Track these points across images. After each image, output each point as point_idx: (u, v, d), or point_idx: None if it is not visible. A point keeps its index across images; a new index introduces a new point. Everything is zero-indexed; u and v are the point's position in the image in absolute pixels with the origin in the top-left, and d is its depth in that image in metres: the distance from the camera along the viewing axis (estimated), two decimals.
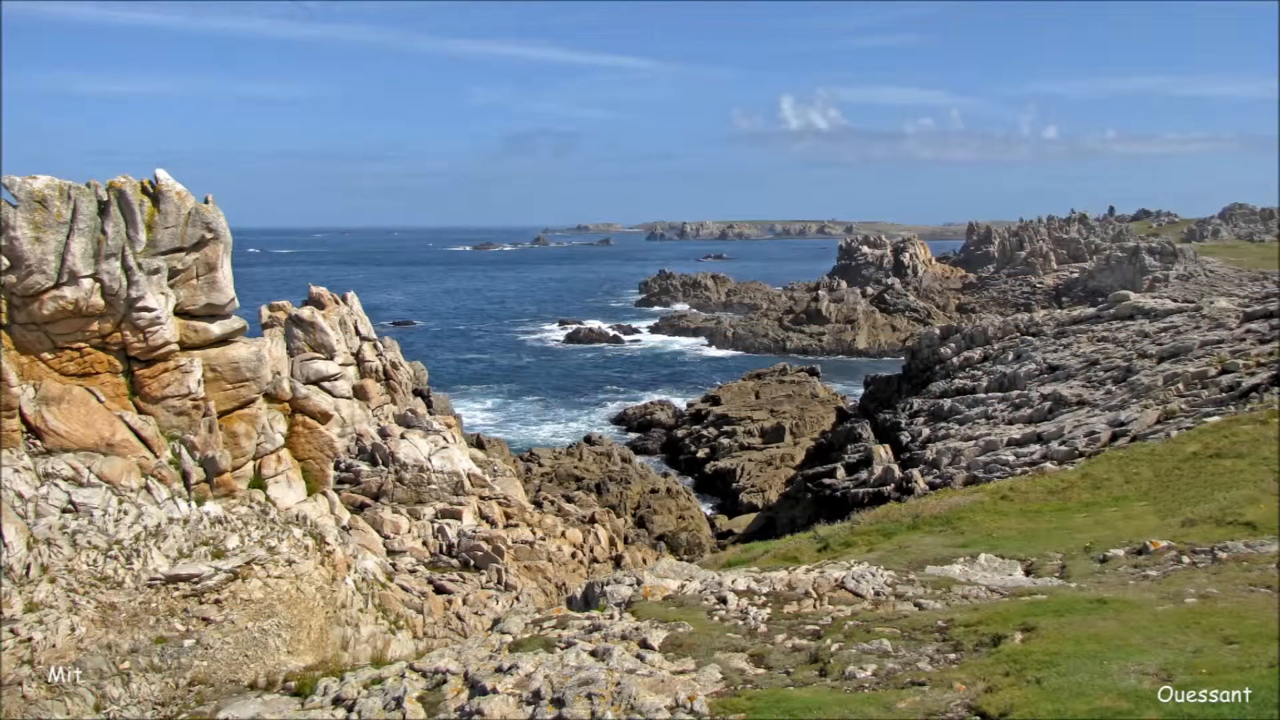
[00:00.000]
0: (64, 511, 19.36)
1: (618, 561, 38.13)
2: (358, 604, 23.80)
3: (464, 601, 29.57)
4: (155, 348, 21.96)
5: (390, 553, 31.52)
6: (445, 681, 10.94)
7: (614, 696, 9.06)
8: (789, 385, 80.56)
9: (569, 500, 47.80)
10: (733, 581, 13.43)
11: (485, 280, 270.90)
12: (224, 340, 23.54)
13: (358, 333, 43.16)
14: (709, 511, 57.88)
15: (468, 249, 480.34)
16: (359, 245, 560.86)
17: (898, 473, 38.49)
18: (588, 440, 64.08)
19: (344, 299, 44.02)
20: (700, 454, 70.20)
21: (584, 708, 8.98)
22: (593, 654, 10.50)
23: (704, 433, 73.01)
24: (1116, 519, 17.34)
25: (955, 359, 54.49)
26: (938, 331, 62.53)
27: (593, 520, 41.45)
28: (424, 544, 33.15)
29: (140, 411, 22.02)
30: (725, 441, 69.53)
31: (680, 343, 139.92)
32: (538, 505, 43.60)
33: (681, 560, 22.82)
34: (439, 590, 29.97)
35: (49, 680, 15.70)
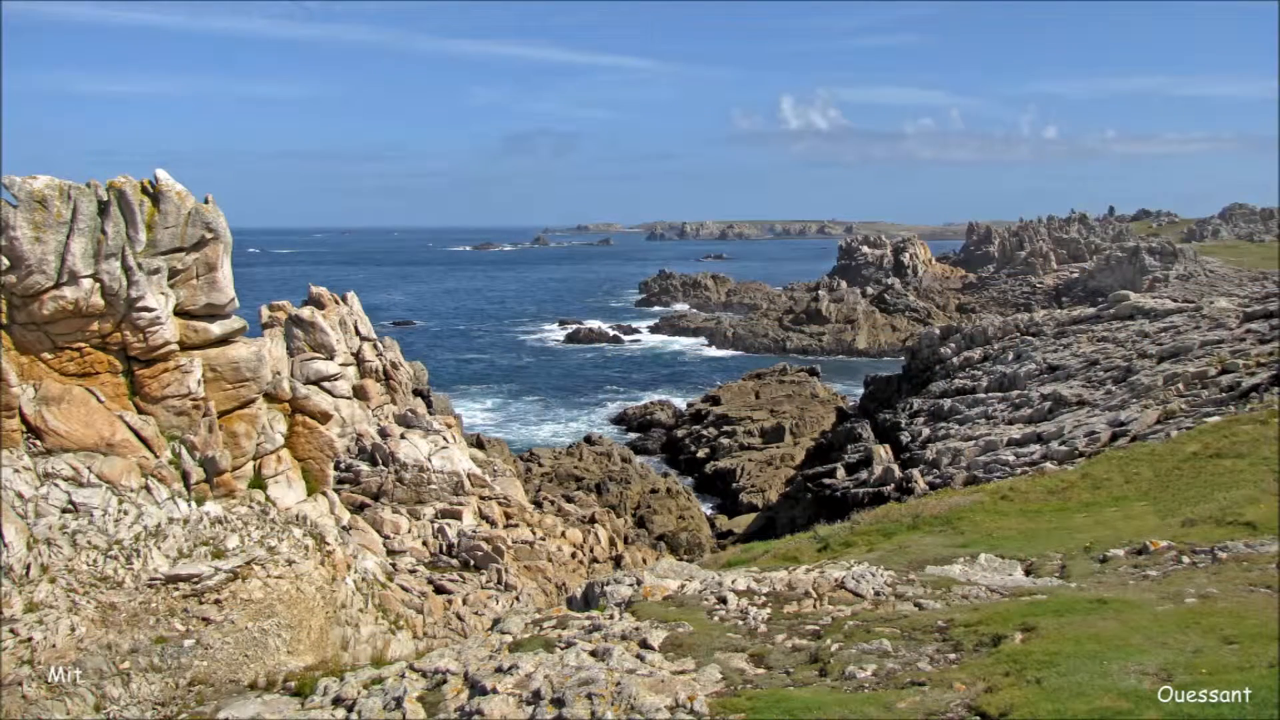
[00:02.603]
0: (64, 511, 19.36)
1: (618, 561, 38.13)
2: (358, 604, 23.80)
3: (464, 601, 29.57)
4: (155, 348, 21.96)
5: (390, 553, 31.53)
6: (445, 681, 10.94)
7: (614, 696, 9.05)
8: (789, 385, 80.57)
9: (569, 500, 47.80)
10: (733, 581, 13.42)
11: (485, 280, 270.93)
12: (224, 340, 23.54)
13: (358, 333, 43.17)
14: (709, 511, 57.88)
15: (468, 249, 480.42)
16: (359, 245, 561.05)
17: (898, 473, 38.49)
18: (588, 440, 64.08)
19: (344, 299, 44.02)
20: (700, 454, 70.20)
21: (584, 708, 8.97)
22: (593, 654, 10.50)
23: (704, 433, 73.01)
24: (1116, 519, 17.34)
25: (955, 359, 54.49)
26: (938, 331, 62.53)
27: (593, 520, 41.45)
28: (424, 544, 33.15)
29: (140, 411, 22.02)
30: (725, 441, 69.53)
31: (680, 343, 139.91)
32: (538, 505, 43.60)
33: (681, 560, 22.82)
34: (439, 590, 29.97)
35: (49, 680, 15.70)
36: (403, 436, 39.00)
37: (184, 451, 22.31)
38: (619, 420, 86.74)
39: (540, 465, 57.86)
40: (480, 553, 32.81)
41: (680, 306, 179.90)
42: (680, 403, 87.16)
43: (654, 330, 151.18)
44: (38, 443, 20.36)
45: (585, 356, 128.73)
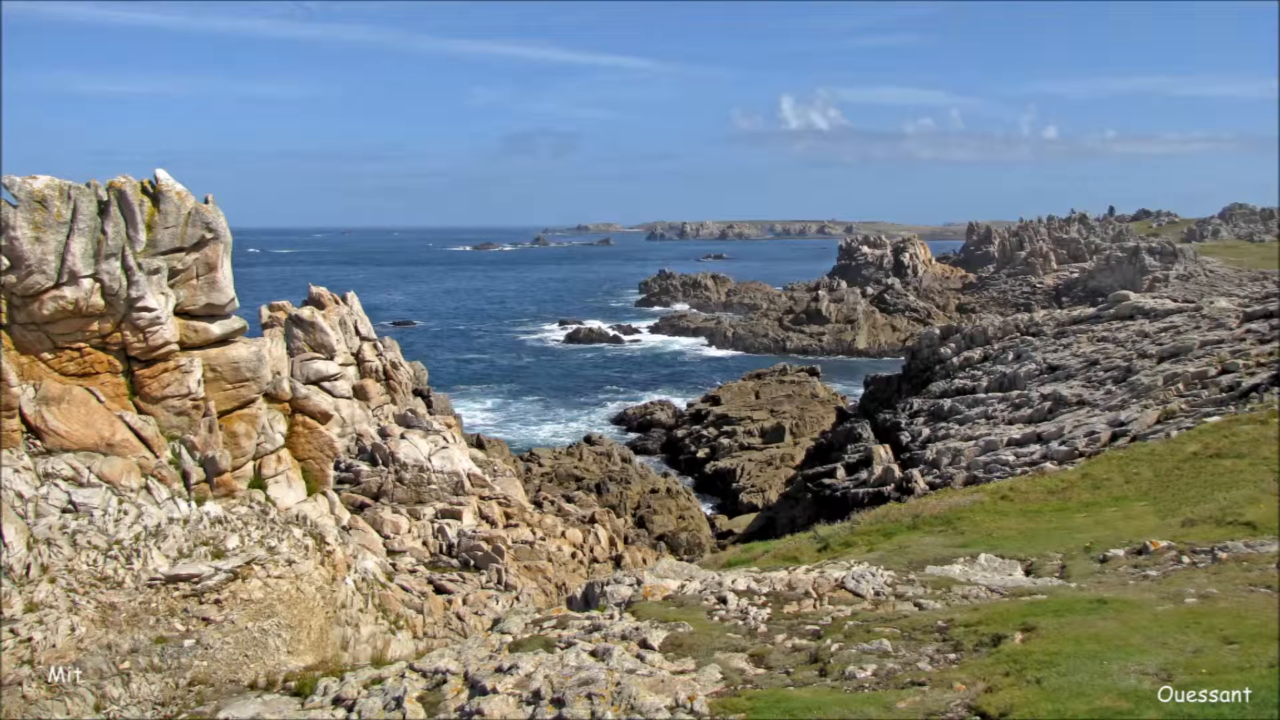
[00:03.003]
0: (64, 511, 19.36)
1: (618, 561, 38.13)
2: (358, 604, 23.80)
3: (464, 601, 29.57)
4: (155, 348, 21.96)
5: (390, 553, 31.53)
6: (445, 681, 10.94)
7: (614, 696, 9.05)
8: (789, 385, 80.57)
9: (569, 500, 47.81)
10: (733, 581, 13.42)
11: (485, 280, 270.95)
12: (224, 340, 23.54)
13: (358, 333, 43.16)
14: (709, 511, 57.89)
15: (468, 249, 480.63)
16: (359, 245, 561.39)
17: (898, 473, 38.49)
18: (588, 440, 64.08)
19: (344, 299, 44.02)
20: (700, 454, 70.20)
21: (584, 708, 8.97)
22: (593, 654, 10.50)
23: (704, 433, 73.01)
24: (1116, 519, 17.35)
25: (955, 359, 54.49)
26: (938, 331, 62.54)
27: (593, 520, 41.45)
28: (424, 544, 33.15)
29: (140, 411, 22.02)
30: (725, 441, 69.53)
31: (680, 343, 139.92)
32: (538, 505, 43.60)
33: (681, 560, 22.82)
34: (439, 590, 29.97)
35: (49, 680, 15.70)
36: (403, 436, 39.00)
37: (184, 451, 22.31)
38: (619, 420, 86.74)
39: (540, 465, 57.86)
40: (480, 553, 32.81)
41: (680, 306, 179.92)
42: (680, 403, 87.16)
43: (654, 330, 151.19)
44: (38, 443, 20.36)
45: (585, 356, 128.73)
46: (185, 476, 22.07)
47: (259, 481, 24.24)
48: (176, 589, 18.55)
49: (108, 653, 16.64)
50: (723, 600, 12.57)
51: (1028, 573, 14.17)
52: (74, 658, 16.39)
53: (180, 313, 22.77)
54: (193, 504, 21.65)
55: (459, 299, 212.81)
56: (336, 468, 32.48)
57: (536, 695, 9.56)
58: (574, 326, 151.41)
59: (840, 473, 45.76)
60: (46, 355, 21.02)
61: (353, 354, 42.60)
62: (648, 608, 12.45)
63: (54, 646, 16.44)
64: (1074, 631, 9.67)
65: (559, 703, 9.19)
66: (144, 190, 21.92)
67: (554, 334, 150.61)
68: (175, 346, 22.39)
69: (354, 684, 11.96)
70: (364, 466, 36.65)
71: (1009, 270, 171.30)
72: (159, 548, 19.25)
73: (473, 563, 32.71)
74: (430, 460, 38.06)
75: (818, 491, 44.77)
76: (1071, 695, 7.94)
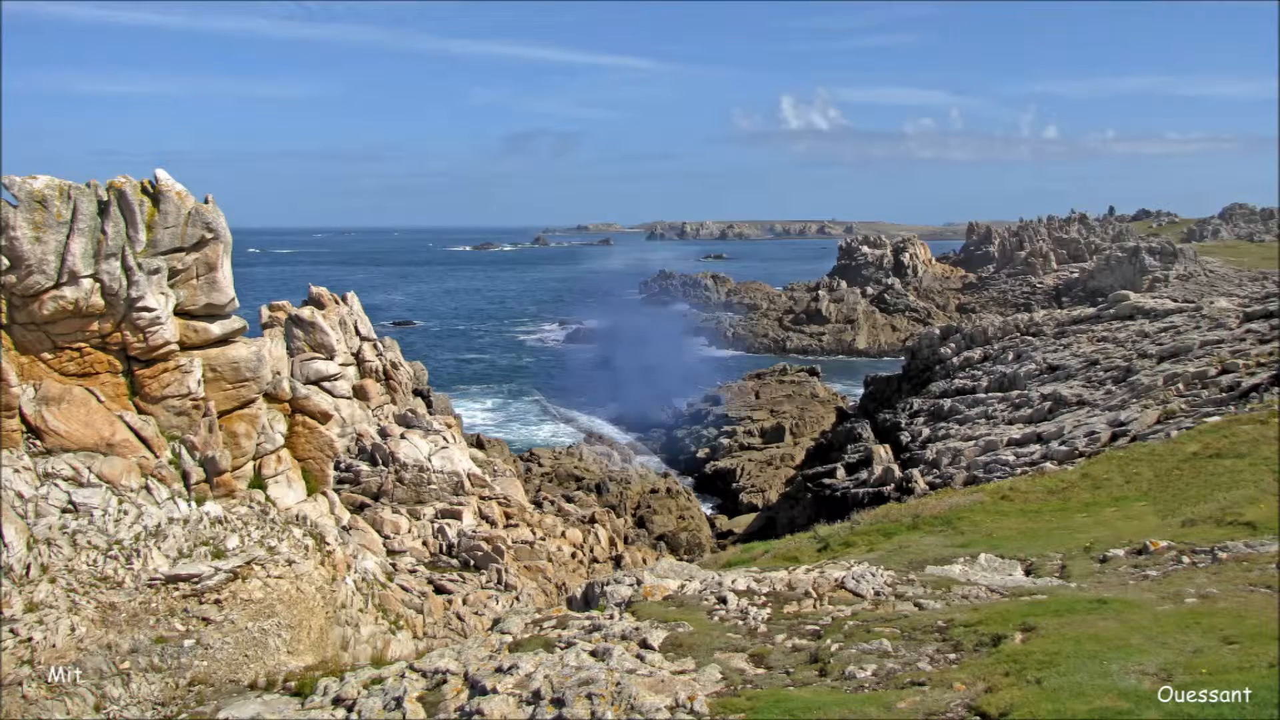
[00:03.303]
0: (64, 511, 19.36)
1: (618, 561, 38.12)
2: (358, 604, 23.80)
3: (464, 601, 29.57)
4: (155, 348, 21.96)
5: (390, 553, 31.53)
6: (445, 681, 10.94)
7: (614, 696, 9.05)
8: (789, 385, 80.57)
9: (569, 500, 47.80)
10: (733, 581, 13.42)
11: (485, 280, 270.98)
12: (224, 340, 23.54)
13: (358, 333, 43.16)
14: (709, 511, 57.89)
15: (468, 249, 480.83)
16: (359, 245, 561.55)
17: (898, 473, 38.49)
18: (588, 440, 64.05)
19: (344, 299, 44.01)
20: (700, 454, 70.20)
21: (584, 708, 8.97)
22: (593, 654, 10.49)
23: (704, 433, 73.01)
24: (1116, 519, 17.34)
25: (955, 359, 54.49)
26: (938, 331, 62.53)
27: (593, 520, 41.44)
28: (424, 544, 33.15)
29: (140, 411, 22.02)
30: (725, 441, 69.54)
31: None
32: (538, 505, 43.60)
33: (681, 560, 22.82)
34: (439, 590, 29.96)
35: (49, 680, 15.69)
36: (403, 436, 38.99)
37: (184, 451, 22.31)
38: (619, 420, 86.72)
39: (540, 465, 57.85)
40: (480, 553, 32.80)
41: (680, 306, 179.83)
42: (680, 403, 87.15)
43: None
44: (38, 443, 20.36)
45: (585, 357, 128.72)
46: (185, 476, 22.07)
47: (259, 481, 24.25)
48: (176, 589, 18.55)
49: (108, 653, 16.64)
50: (723, 600, 12.57)
51: (1028, 573, 14.17)
52: (74, 658, 16.39)
53: (180, 313, 22.78)
54: (193, 504, 21.65)
55: (459, 299, 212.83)
56: (336, 468, 32.48)
57: (536, 695, 9.56)
58: (574, 326, 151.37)
59: (840, 473, 45.76)
60: (46, 355, 21.02)
61: (353, 354, 42.59)
62: (648, 608, 12.45)
63: (54, 646, 16.44)
64: (1074, 631, 9.67)
65: (559, 703, 9.19)
66: (144, 190, 21.92)
67: (554, 334, 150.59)
68: (175, 346, 22.40)
69: (354, 684, 11.96)
70: (364, 466, 36.65)
71: (1009, 270, 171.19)
72: (159, 548, 19.25)
73: (473, 563, 32.71)
74: (430, 460, 38.06)
75: (818, 491, 44.77)
76: (1071, 695, 7.94)
